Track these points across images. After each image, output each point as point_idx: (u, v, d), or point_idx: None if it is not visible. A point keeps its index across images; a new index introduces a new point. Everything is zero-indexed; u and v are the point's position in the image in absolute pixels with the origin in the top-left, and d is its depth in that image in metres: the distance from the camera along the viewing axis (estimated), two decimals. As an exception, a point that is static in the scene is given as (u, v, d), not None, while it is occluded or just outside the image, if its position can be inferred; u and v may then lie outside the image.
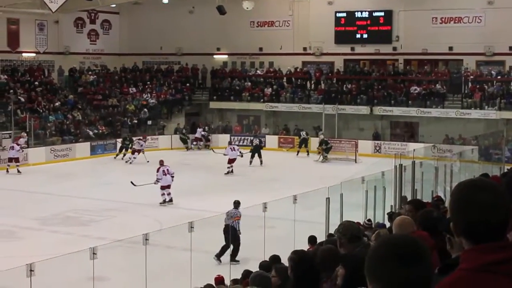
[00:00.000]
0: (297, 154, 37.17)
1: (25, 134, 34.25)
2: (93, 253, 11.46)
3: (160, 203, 23.88)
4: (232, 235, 16.64)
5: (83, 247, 12.73)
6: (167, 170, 24.29)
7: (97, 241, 15.35)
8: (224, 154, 31.45)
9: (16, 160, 31.04)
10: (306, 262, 5.76)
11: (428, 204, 8.88)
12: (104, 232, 19.46)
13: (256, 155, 33.76)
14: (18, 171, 30.68)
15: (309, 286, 4.93)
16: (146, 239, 12.46)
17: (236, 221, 17.10)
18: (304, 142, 37.55)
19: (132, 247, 15.28)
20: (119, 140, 36.62)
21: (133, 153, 34.46)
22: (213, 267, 14.01)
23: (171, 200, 24.09)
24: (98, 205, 23.84)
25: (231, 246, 16.48)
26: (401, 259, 2.22)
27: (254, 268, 9.38)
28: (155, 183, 24.06)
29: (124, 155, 35.39)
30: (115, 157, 35.50)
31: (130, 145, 35.24)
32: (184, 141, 39.84)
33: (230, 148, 32.01)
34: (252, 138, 37.61)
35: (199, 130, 40.03)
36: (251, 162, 33.11)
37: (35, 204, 24.25)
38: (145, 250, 12.50)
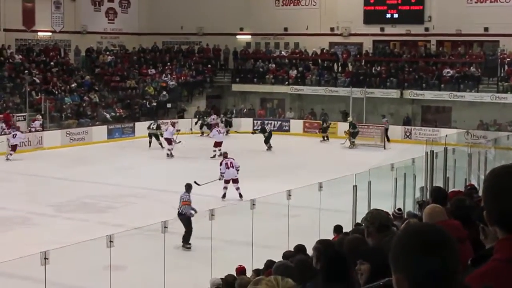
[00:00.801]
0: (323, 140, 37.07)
1: (40, 117, 34.52)
2: (110, 241, 11.53)
3: (222, 199, 22.59)
4: (182, 220, 16.78)
5: (99, 234, 12.82)
6: (231, 163, 22.95)
7: (114, 229, 15.43)
8: (210, 137, 32.45)
9: (13, 148, 30.37)
10: (332, 251, 5.75)
11: (460, 193, 8.84)
12: (121, 219, 19.58)
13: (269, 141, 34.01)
14: (7, 159, 30.01)
15: (338, 276, 4.91)
16: (165, 227, 12.52)
17: (185, 205, 17.08)
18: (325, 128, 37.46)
19: (150, 235, 15.37)
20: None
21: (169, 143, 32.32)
22: (234, 256, 14.04)
23: (240, 196, 22.45)
24: (115, 191, 23.96)
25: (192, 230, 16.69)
26: (425, 248, 2.22)
27: (277, 258, 9.39)
28: (219, 179, 22.90)
29: (160, 144, 33.67)
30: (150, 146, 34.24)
31: (160, 132, 33.98)
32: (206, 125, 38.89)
33: (217, 130, 32.37)
34: (263, 124, 37.79)
35: (212, 117, 39.05)
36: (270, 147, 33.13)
37: (50, 189, 24.43)
38: (164, 238, 12.56)
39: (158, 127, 34.39)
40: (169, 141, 31.80)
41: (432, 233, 2.26)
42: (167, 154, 31.37)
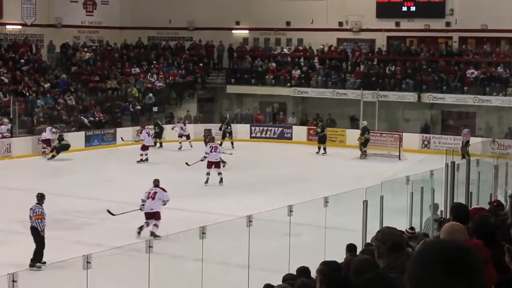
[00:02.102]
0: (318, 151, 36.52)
1: (8, 121, 34.47)
2: (87, 262, 11.54)
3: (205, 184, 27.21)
4: (33, 235, 17.25)
5: (75, 254, 12.82)
6: (216, 147, 27.98)
7: (92, 248, 15.43)
8: (138, 140, 34.53)
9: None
10: (338, 275, 5.77)
11: (483, 210, 8.87)
12: (99, 238, 19.58)
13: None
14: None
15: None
16: (149, 247, 12.53)
17: (37, 220, 17.44)
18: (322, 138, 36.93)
19: (133, 255, 15.38)
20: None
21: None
22: (229, 280, 14.07)
23: (221, 181, 27.45)
24: (93, 205, 23.95)
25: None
26: (447, 268, 2.22)
27: (277, 282, 9.42)
28: (202, 160, 28.03)
29: (160, 144, 37.19)
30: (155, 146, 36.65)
31: (159, 132, 37.26)
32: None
33: (146, 133, 33.94)
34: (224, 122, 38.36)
35: (178, 124, 38.18)
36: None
37: (18, 204, 24.32)
38: (148, 259, 12.56)
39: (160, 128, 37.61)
40: (146, 147, 33.32)
41: (457, 251, 2.27)
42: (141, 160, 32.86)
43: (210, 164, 27.63)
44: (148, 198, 21.12)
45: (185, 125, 37.49)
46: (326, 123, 40.11)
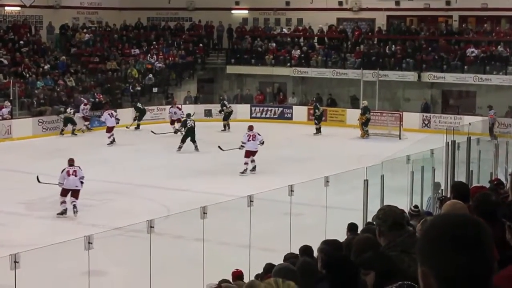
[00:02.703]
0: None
1: (9, 103, 34.48)
2: (89, 243, 11.56)
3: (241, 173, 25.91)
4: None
5: (76, 235, 12.85)
6: (254, 135, 26.40)
7: (93, 229, 15.48)
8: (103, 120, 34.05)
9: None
10: (339, 253, 5.79)
11: (484, 188, 8.89)
12: (101, 219, 19.64)
13: (189, 139, 30.93)
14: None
15: (347, 281, 4.94)
16: (150, 227, 12.54)
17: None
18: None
19: (134, 236, 15.41)
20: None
21: (172, 123, 35.80)
22: (230, 260, 14.09)
23: (253, 168, 26.20)
24: (93, 186, 23.94)
25: None
26: (458, 242, 2.22)
27: (278, 261, 9.43)
28: (239, 148, 26.59)
29: (137, 126, 36.81)
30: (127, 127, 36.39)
31: (140, 115, 36.90)
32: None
33: (108, 114, 33.46)
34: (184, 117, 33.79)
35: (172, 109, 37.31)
36: (180, 147, 30.72)
37: (20, 185, 24.43)
38: (149, 240, 12.59)
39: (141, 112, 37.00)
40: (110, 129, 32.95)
41: (467, 225, 2.27)
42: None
43: (248, 154, 26.17)
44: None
45: (179, 109, 36.84)
46: (327, 103, 40.16)
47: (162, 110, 39.65)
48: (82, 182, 21.24)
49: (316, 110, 36.26)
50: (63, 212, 20.61)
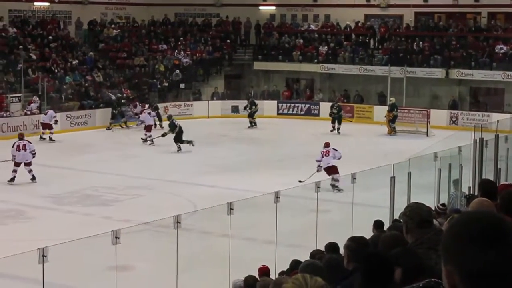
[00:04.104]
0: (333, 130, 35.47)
1: (37, 98, 34.68)
2: (116, 238, 11.61)
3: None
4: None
5: (104, 230, 12.91)
6: (327, 152, 23.44)
7: (121, 224, 15.55)
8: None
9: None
10: (366, 250, 5.78)
11: (510, 186, 8.84)
12: (128, 214, 19.72)
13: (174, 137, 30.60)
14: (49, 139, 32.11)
15: (378, 278, 4.92)
16: (177, 222, 12.58)
17: None
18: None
19: (161, 231, 15.48)
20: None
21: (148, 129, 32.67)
22: (256, 256, 14.11)
23: (334, 187, 22.32)
24: (121, 182, 24.12)
25: None
26: (483, 239, 2.21)
27: (304, 258, 9.45)
28: (318, 171, 22.96)
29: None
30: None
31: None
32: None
33: (147, 113, 33.80)
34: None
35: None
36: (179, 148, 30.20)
37: (48, 180, 24.61)
38: (176, 235, 12.63)
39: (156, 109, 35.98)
40: (149, 128, 32.62)
41: (492, 222, 2.24)
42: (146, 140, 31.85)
43: (328, 173, 22.84)
44: (19, 150, 24.32)
45: (150, 115, 34.50)
46: (354, 99, 40.09)
47: (189, 106, 39.78)
48: (33, 155, 24.39)
49: (335, 111, 35.61)
50: (12, 179, 23.78)
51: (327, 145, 23.98)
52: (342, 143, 31.89)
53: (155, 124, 34.67)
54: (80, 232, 15.27)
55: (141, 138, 31.65)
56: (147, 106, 35.68)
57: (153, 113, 34.38)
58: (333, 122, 35.43)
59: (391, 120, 34.92)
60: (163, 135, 30.59)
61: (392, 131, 34.81)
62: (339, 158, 23.18)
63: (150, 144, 31.15)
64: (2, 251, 13.86)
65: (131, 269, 15.06)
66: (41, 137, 31.92)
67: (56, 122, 32.41)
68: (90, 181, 24.17)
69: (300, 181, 22.15)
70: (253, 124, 36.35)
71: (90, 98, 37.06)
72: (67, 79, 37.81)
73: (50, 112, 32.47)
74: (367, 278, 4.85)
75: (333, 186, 22.19)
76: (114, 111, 35.71)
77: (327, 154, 23.31)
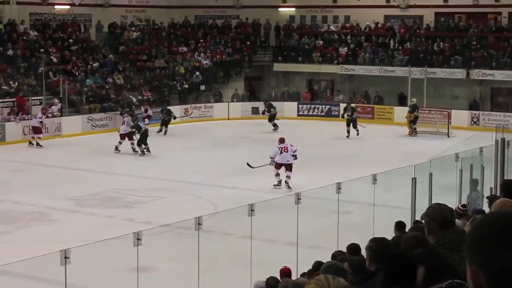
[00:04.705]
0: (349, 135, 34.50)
1: (58, 101, 34.86)
2: (137, 239, 11.64)
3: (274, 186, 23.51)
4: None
5: (125, 232, 12.96)
6: (286, 147, 23.71)
7: (142, 226, 15.61)
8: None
9: (37, 130, 31.49)
10: (388, 251, 5.78)
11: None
12: (150, 215, 19.76)
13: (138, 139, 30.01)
14: (38, 144, 31.27)
15: (401, 279, 4.91)
16: (198, 224, 12.60)
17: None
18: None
19: (182, 232, 15.50)
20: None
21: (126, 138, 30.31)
22: (277, 257, 14.11)
23: (288, 186, 23.21)
24: (143, 184, 24.18)
25: None
26: (506, 239, 2.21)
27: (326, 259, 9.45)
28: (270, 164, 23.69)
29: (165, 131, 34.94)
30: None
31: (169, 118, 35.24)
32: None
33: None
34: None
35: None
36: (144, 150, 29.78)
37: (70, 182, 24.72)
38: (197, 237, 12.66)
39: (169, 113, 35.31)
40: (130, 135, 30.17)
41: None
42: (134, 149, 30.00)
43: (278, 165, 23.59)
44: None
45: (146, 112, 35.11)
46: (374, 100, 40.01)
47: (210, 108, 39.86)
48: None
49: (349, 113, 34.72)
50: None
51: (282, 140, 24.25)
52: (363, 144, 31.97)
53: (161, 129, 34.64)
54: (102, 234, 15.32)
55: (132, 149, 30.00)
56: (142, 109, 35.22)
57: (172, 113, 34.30)
58: (348, 125, 34.38)
59: (412, 121, 34.84)
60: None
61: (413, 132, 34.73)
62: (295, 151, 23.71)
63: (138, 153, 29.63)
64: (25, 253, 13.95)
65: (153, 271, 15.09)
66: (30, 143, 31.50)
67: (41, 124, 31.70)
68: (111, 183, 24.27)
69: (249, 165, 24.49)
70: (275, 127, 36.01)
71: (110, 101, 37.17)
72: (87, 82, 37.96)
73: (39, 115, 31.90)
74: (390, 279, 4.84)
75: (286, 182, 23.17)
76: (122, 114, 35.21)
77: (285, 150, 23.63)
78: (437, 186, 16.25)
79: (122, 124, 30.52)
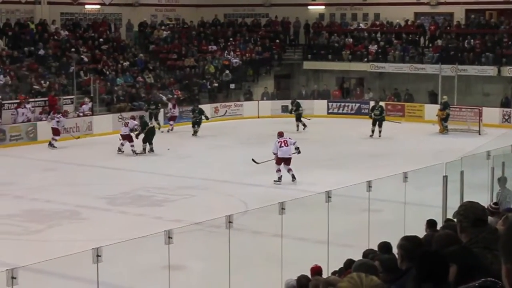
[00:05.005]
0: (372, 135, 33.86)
1: (89, 100, 35.06)
2: (168, 237, 11.68)
3: (275, 182, 23.92)
4: None
5: (156, 230, 13.01)
6: (285, 141, 24.20)
7: (173, 224, 15.66)
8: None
9: (56, 132, 30.99)
10: (420, 249, 5.76)
11: None
12: (180, 214, 19.82)
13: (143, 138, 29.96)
14: (51, 145, 30.84)
15: (436, 277, 4.88)
16: (229, 222, 12.63)
17: None
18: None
19: (213, 231, 15.55)
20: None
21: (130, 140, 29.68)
22: (308, 256, 14.11)
23: (293, 178, 23.85)
24: (173, 182, 24.26)
25: None
26: None
27: (357, 257, 9.44)
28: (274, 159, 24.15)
29: (194, 131, 34.55)
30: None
31: (201, 118, 34.74)
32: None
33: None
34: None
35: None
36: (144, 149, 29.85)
37: (101, 180, 24.87)
38: (228, 235, 12.69)
39: (201, 112, 34.75)
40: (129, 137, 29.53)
41: None
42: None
43: (279, 161, 24.04)
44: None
45: (174, 108, 36.13)
46: (404, 98, 39.84)
47: (240, 106, 39.90)
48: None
49: (377, 113, 33.94)
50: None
51: (281, 134, 24.62)
52: (393, 142, 31.84)
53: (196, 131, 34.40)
54: (133, 232, 15.42)
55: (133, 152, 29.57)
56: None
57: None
58: (373, 124, 33.55)
59: (444, 119, 34.64)
60: (137, 136, 29.57)
61: (444, 130, 34.53)
62: (295, 143, 24.33)
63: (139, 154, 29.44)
64: (57, 251, 14.09)
65: (184, 269, 15.16)
66: (52, 145, 30.87)
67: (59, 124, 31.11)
68: (142, 182, 24.38)
69: (253, 161, 25.17)
70: (303, 126, 35.51)
71: (141, 99, 37.31)
72: (118, 81, 38.16)
73: (58, 116, 31.37)
74: (422, 276, 4.82)
75: (292, 176, 23.70)
76: (150, 111, 35.48)
77: (285, 144, 23.98)
78: (469, 184, 16.15)
79: (126, 126, 29.90)
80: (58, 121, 31.06)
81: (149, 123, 30.36)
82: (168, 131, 34.92)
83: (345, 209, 17.27)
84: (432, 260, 4.80)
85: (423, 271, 4.80)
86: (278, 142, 24.04)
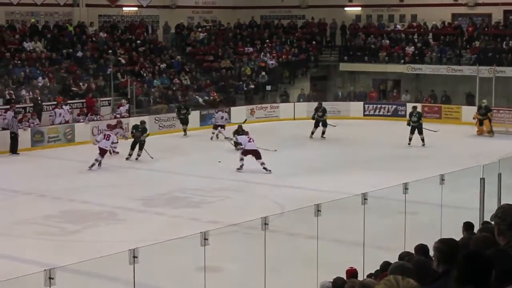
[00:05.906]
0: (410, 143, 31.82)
1: (126, 102, 35.24)
2: (205, 239, 11.69)
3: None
4: None
5: (192, 231, 13.03)
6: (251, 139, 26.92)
7: (209, 225, 15.69)
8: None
9: (102, 152, 27.18)
10: (456, 251, 5.71)
11: None
12: (216, 215, 19.84)
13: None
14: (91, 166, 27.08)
15: (479, 279, 4.80)
16: (265, 224, 12.62)
17: None
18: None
19: (249, 232, 15.53)
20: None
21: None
22: (344, 258, 14.05)
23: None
24: (210, 184, 24.29)
25: None
26: None
27: (393, 260, 9.39)
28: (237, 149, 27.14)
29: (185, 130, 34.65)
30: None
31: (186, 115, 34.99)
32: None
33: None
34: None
35: (219, 114, 35.07)
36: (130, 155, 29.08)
37: (137, 182, 24.98)
38: (264, 237, 12.68)
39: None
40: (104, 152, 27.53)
41: None
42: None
43: (246, 153, 26.20)
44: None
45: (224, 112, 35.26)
46: (441, 100, 39.58)
47: (276, 108, 39.90)
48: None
49: (414, 119, 32.10)
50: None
51: (248, 134, 28.31)
52: (430, 144, 31.59)
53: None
54: (169, 234, 15.47)
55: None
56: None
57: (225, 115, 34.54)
58: (412, 132, 31.61)
59: (483, 122, 34.25)
60: (132, 136, 29.47)
61: (491, 133, 33.95)
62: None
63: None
64: (94, 252, 14.17)
65: (220, 270, 15.15)
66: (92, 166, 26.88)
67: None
68: (178, 183, 24.44)
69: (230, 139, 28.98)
70: (322, 133, 33.70)
71: (177, 101, 37.42)
72: (155, 83, 38.34)
73: (119, 131, 30.49)
74: (465, 278, 4.71)
75: (264, 169, 25.72)
76: (181, 116, 35.33)
77: (253, 141, 26.68)
78: (506, 187, 16.00)
79: (107, 139, 27.53)
80: (108, 137, 27.74)
81: (147, 133, 29.52)
82: (211, 139, 33.90)
83: (381, 211, 17.18)
84: (476, 261, 4.72)
85: (466, 273, 4.71)
86: (248, 138, 26.89)
